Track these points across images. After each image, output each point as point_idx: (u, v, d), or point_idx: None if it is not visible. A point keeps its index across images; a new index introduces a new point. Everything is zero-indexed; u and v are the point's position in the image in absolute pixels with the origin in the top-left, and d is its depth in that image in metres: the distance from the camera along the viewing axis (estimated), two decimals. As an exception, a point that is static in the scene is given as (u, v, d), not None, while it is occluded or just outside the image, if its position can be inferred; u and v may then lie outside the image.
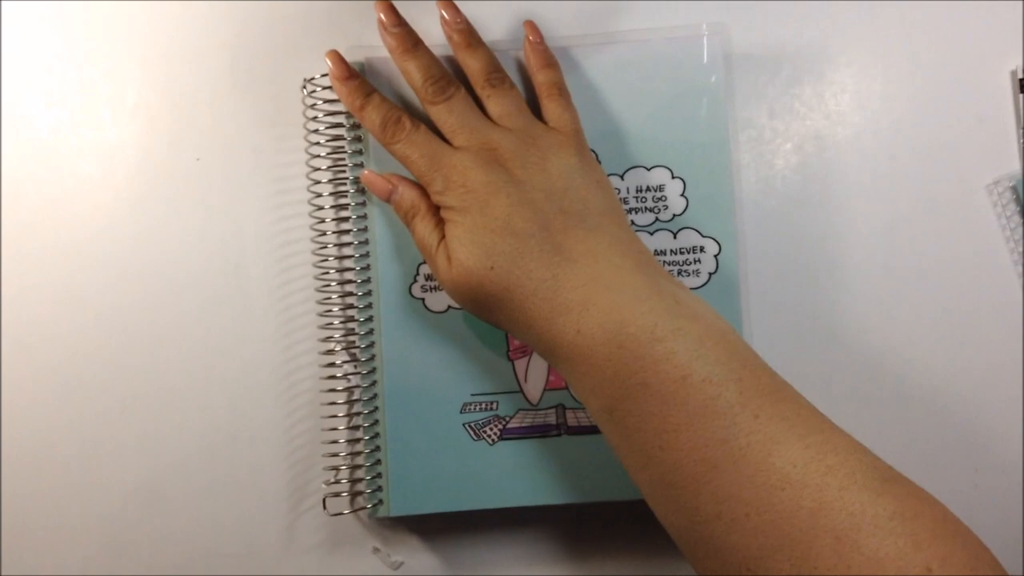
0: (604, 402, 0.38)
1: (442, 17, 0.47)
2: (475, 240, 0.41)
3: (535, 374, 0.48)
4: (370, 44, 0.49)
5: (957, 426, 0.50)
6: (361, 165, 0.48)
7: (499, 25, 0.51)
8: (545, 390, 0.48)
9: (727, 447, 0.35)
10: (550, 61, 0.47)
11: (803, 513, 0.33)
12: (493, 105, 0.45)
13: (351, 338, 0.49)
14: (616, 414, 0.37)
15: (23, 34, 0.51)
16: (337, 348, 0.49)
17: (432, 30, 0.50)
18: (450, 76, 0.46)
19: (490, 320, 0.42)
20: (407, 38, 0.46)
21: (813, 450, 0.34)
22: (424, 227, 0.44)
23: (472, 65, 0.46)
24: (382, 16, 0.46)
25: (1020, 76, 0.51)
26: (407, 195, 0.45)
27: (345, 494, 0.49)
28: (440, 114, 0.45)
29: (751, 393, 0.36)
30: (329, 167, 0.50)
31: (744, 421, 0.35)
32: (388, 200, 0.46)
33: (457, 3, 0.47)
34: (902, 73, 0.51)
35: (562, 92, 0.46)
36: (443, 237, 0.43)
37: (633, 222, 0.49)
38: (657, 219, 0.49)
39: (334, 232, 0.49)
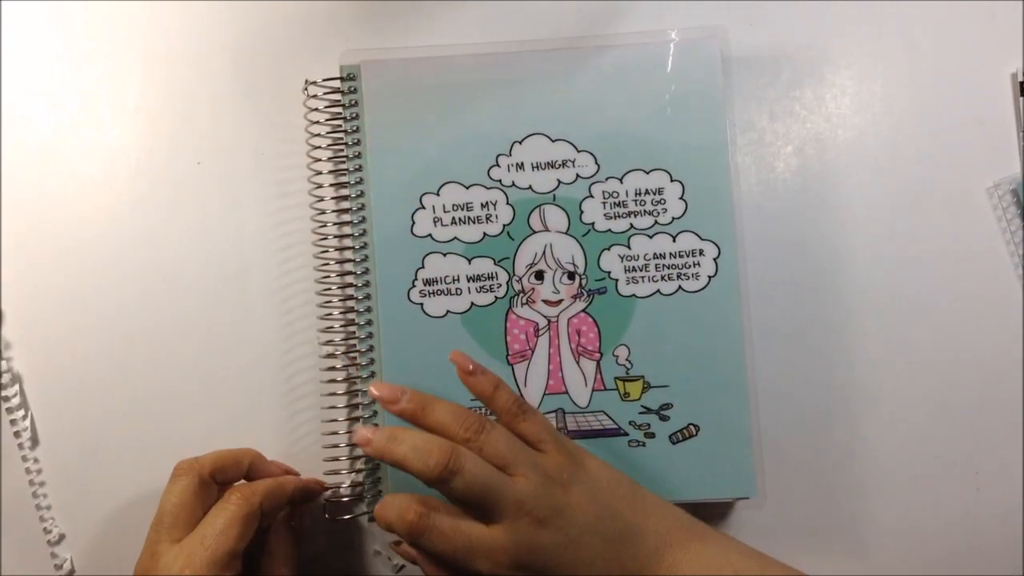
0: None
1: (381, 400, 0.44)
2: None
3: (535, 379, 0.48)
4: (367, 47, 0.49)
5: (958, 428, 0.50)
6: (361, 168, 0.48)
7: (502, 26, 0.51)
8: (545, 394, 0.48)
9: None
10: (496, 383, 0.45)
11: None
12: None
13: (351, 342, 0.49)
14: None
15: (23, 34, 0.51)
16: (337, 352, 0.49)
17: (434, 31, 0.51)
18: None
19: None
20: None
21: None
22: None
23: (442, 420, 0.44)
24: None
25: (1020, 79, 0.50)
26: None
27: (346, 498, 0.49)
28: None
29: None
30: (330, 171, 0.50)
31: None
32: None
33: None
34: (902, 75, 0.51)
35: (524, 409, 0.44)
36: None
37: (632, 225, 0.49)
38: (656, 222, 0.48)
39: (335, 236, 0.50)
